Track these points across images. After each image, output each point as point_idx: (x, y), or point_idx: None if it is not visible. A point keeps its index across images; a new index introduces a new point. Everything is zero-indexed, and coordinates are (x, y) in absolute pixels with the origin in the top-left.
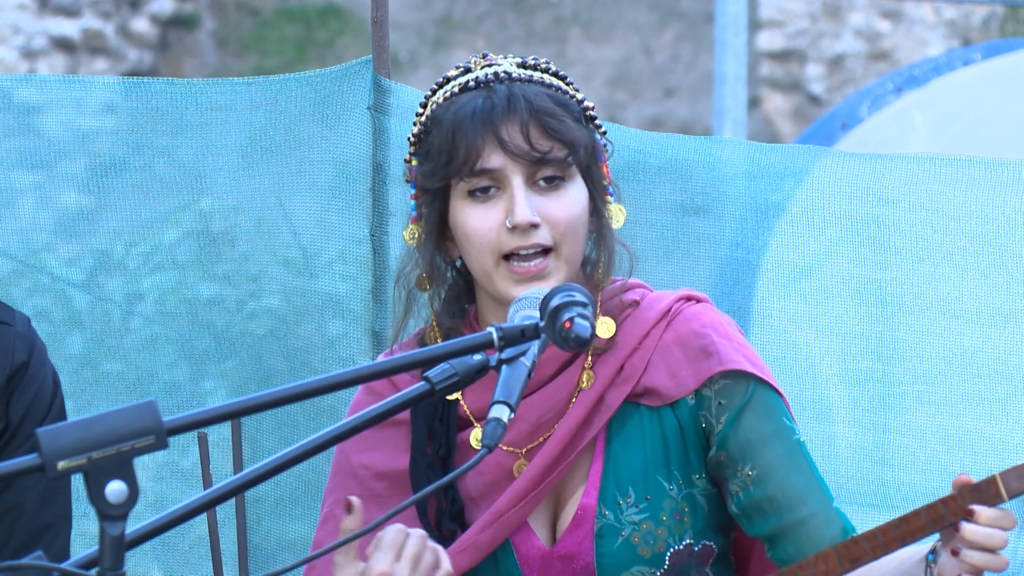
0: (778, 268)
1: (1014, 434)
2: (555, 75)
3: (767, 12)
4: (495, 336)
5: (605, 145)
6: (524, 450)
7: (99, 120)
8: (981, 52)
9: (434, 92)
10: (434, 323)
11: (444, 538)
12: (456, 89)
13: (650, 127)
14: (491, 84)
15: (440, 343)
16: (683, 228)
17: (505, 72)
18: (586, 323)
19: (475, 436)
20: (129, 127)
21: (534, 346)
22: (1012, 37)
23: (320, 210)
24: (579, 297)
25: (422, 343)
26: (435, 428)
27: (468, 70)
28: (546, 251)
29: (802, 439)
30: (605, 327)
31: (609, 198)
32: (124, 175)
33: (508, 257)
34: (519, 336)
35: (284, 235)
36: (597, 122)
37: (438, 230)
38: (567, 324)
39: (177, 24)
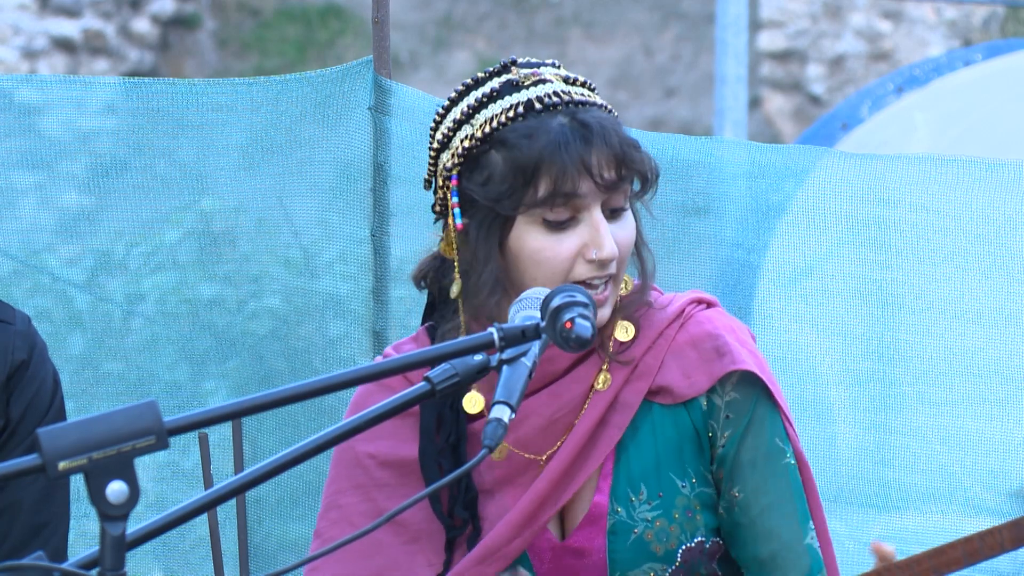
0: (779, 268)
1: (1014, 434)
2: (591, 90)
3: (768, 12)
4: (496, 336)
5: None
6: (544, 456)
7: (100, 120)
8: (982, 52)
9: (481, 104)
10: (463, 322)
11: (456, 526)
12: (520, 109)
13: (651, 127)
14: (558, 107)
15: (441, 343)
16: (684, 229)
17: (564, 92)
18: (587, 323)
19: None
20: (130, 127)
21: (535, 346)
22: (1013, 37)
23: (321, 210)
24: (580, 297)
25: (440, 339)
26: (445, 415)
27: (516, 84)
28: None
29: (792, 461)
30: (624, 331)
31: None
32: (125, 175)
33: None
34: (520, 336)
35: (285, 235)
36: None
37: (495, 249)
38: (568, 324)
39: (178, 24)
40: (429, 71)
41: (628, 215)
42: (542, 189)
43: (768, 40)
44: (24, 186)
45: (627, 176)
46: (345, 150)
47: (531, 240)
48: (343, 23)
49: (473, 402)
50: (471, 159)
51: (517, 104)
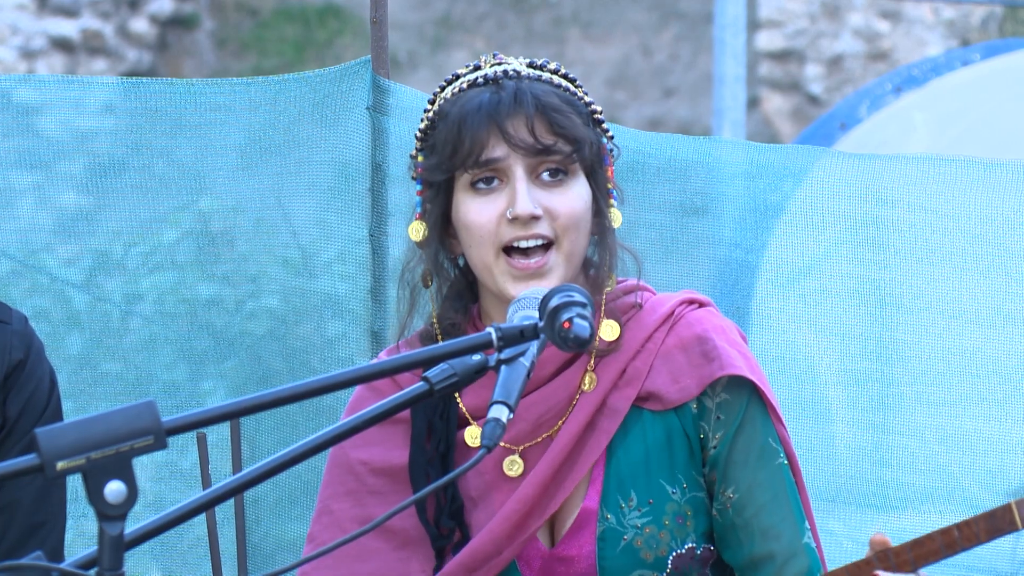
0: (777, 268)
1: (1014, 434)
2: (564, 76)
3: (766, 12)
4: (494, 336)
5: (611, 149)
6: (521, 448)
7: (98, 120)
8: (980, 52)
9: (443, 89)
10: (435, 321)
11: (442, 536)
12: (464, 85)
13: (649, 127)
14: (499, 80)
15: (440, 342)
16: (682, 228)
17: (514, 70)
18: (585, 323)
19: (471, 434)
20: (128, 127)
21: (533, 346)
22: (1011, 37)
23: (319, 210)
24: (578, 297)
25: (425, 341)
26: (435, 424)
27: (478, 68)
28: (546, 246)
29: (785, 462)
30: (609, 330)
31: (612, 201)
32: (123, 175)
33: (508, 251)
34: (518, 336)
35: (283, 235)
36: (604, 125)
37: (441, 225)
38: (566, 324)
39: (176, 24)
40: (427, 71)
41: (575, 185)
42: (463, 153)
43: (766, 40)
44: (22, 186)
45: (547, 141)
46: (343, 150)
47: (463, 205)
48: (341, 23)
49: (473, 436)
50: (425, 140)
51: (464, 81)
